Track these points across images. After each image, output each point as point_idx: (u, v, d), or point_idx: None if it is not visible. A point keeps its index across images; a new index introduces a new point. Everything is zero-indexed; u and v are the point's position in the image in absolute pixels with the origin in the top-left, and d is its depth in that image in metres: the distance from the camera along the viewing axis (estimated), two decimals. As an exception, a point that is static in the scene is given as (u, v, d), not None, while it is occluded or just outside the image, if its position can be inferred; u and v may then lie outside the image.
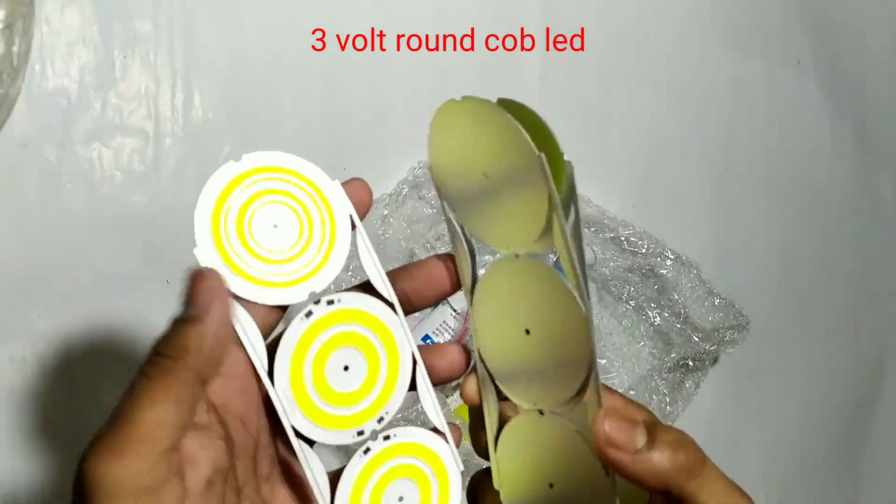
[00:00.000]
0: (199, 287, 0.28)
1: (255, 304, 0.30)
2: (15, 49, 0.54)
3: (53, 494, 0.57)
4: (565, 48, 0.68)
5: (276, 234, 0.31)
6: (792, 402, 0.77)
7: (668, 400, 0.66)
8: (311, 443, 0.32)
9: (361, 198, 0.32)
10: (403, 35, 0.63)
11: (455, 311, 0.62)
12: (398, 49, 0.63)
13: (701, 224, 0.73)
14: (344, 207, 0.32)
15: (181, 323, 0.27)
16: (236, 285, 0.30)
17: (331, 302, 0.31)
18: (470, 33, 0.65)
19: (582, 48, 0.68)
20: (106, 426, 0.27)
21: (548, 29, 0.67)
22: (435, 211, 0.63)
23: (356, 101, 0.63)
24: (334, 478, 0.32)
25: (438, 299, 0.34)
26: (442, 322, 0.61)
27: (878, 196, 0.80)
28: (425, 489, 0.33)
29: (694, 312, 0.67)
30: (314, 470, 0.31)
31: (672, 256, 0.67)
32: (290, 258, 0.31)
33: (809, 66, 0.76)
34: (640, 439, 0.28)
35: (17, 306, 0.56)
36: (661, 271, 0.67)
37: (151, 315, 0.59)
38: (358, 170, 0.62)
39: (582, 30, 0.68)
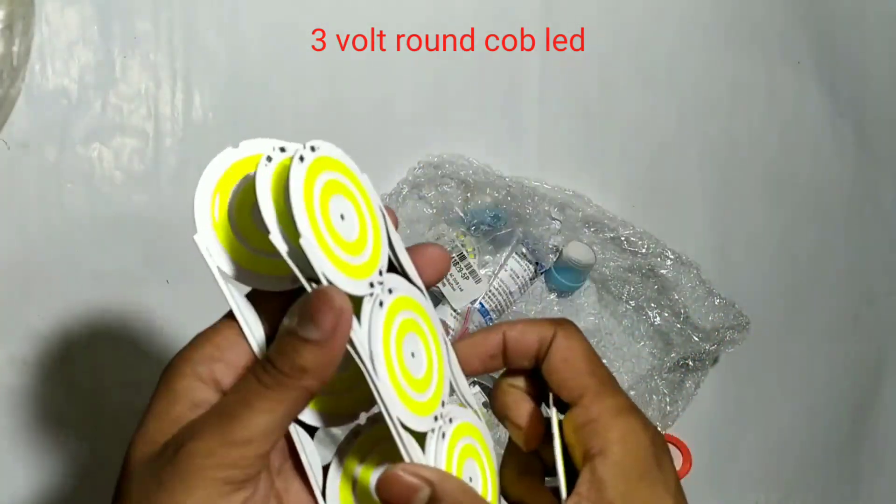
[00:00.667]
0: (327, 309, 0.26)
1: (263, 291, 0.30)
2: (15, 49, 0.54)
3: (53, 494, 0.57)
4: (565, 48, 0.68)
5: (344, 224, 0.29)
6: (792, 402, 0.77)
7: (668, 400, 0.66)
8: (311, 433, 0.31)
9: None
10: (403, 35, 0.63)
11: (455, 311, 0.62)
12: (398, 49, 0.63)
13: (701, 224, 0.73)
14: (379, 203, 0.31)
15: (305, 342, 0.26)
16: (235, 271, 0.30)
17: (391, 290, 0.30)
18: (470, 33, 0.65)
19: (582, 48, 0.68)
20: (211, 415, 0.27)
21: (548, 29, 0.67)
22: (435, 211, 0.63)
23: (356, 101, 0.63)
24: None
25: (437, 279, 0.34)
26: (442, 323, 0.62)
27: (878, 196, 0.80)
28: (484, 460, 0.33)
29: (694, 312, 0.67)
30: (312, 463, 0.31)
31: (672, 256, 0.67)
32: (357, 247, 0.30)
33: (809, 66, 0.76)
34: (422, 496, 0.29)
35: (17, 306, 0.56)
36: (661, 271, 0.67)
37: (151, 315, 0.59)
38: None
39: (582, 30, 0.68)
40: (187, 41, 0.59)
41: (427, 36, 0.64)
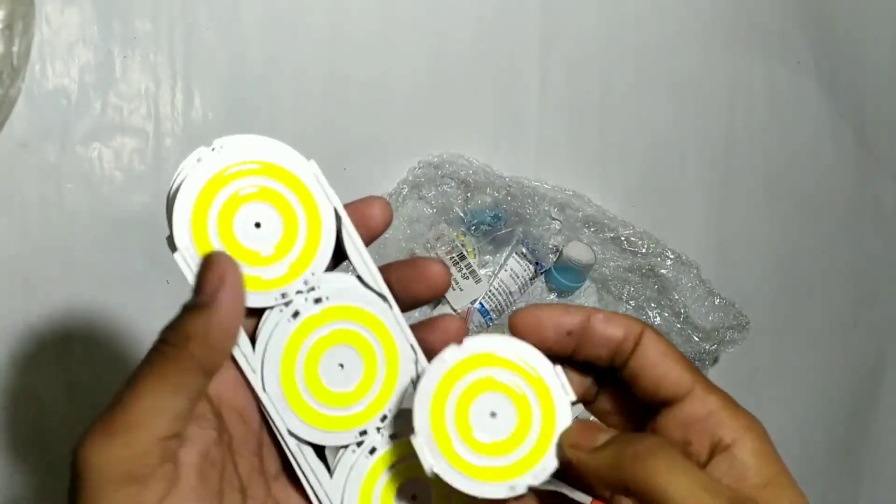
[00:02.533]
0: (208, 273, 0.26)
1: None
2: (15, 49, 0.53)
3: (53, 495, 0.57)
4: (565, 48, 0.68)
5: (260, 233, 0.29)
6: (792, 402, 0.77)
7: (668, 400, 0.66)
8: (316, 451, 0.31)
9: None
10: (404, 35, 0.63)
11: (455, 310, 0.62)
12: (398, 49, 0.63)
13: (701, 224, 0.73)
14: (326, 200, 0.30)
15: (188, 310, 0.27)
16: None
17: (318, 300, 0.30)
18: (470, 33, 0.65)
19: (582, 48, 0.68)
20: (103, 412, 0.26)
21: (548, 29, 0.67)
22: (435, 211, 0.63)
23: (356, 101, 0.63)
24: None
25: (433, 296, 0.32)
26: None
27: (878, 196, 0.80)
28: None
29: (694, 312, 0.67)
30: (314, 470, 0.30)
31: (672, 256, 0.67)
32: (273, 257, 0.30)
33: (809, 66, 0.76)
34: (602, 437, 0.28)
35: (17, 306, 0.56)
36: (661, 271, 0.67)
37: (151, 315, 0.59)
38: (358, 170, 0.63)
39: (582, 30, 0.68)
40: (187, 41, 0.59)
41: (427, 36, 0.64)
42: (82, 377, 0.58)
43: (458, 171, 0.62)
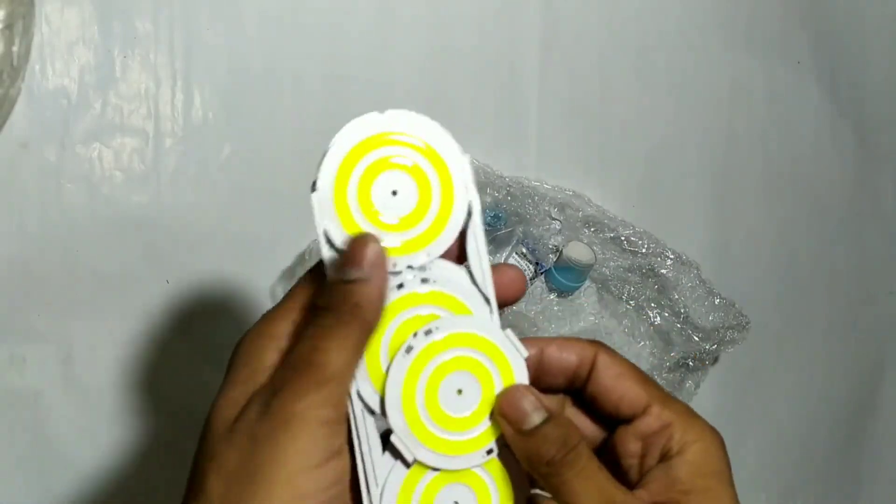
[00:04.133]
0: (364, 251, 0.29)
1: None
2: (15, 49, 0.54)
3: (53, 495, 0.57)
4: (565, 48, 0.68)
5: (393, 200, 0.31)
6: (792, 402, 0.77)
7: (668, 400, 0.66)
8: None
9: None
10: (404, 36, 0.63)
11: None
12: (398, 49, 0.63)
13: (701, 224, 0.73)
14: (465, 192, 0.32)
15: (347, 283, 0.29)
16: (341, 238, 0.30)
17: (425, 280, 0.31)
18: (470, 33, 0.65)
19: (582, 48, 0.68)
20: (287, 371, 0.29)
21: (548, 29, 0.67)
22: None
23: (356, 101, 0.63)
24: None
25: (512, 299, 0.33)
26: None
27: (878, 196, 0.80)
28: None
29: (694, 312, 0.67)
30: (370, 437, 0.30)
31: (672, 256, 0.67)
32: (395, 227, 0.31)
33: (809, 66, 0.76)
34: (535, 419, 0.30)
35: (17, 306, 0.56)
36: (661, 271, 0.67)
37: (151, 315, 0.59)
38: (358, 170, 0.63)
39: (582, 30, 0.68)
40: (187, 41, 0.59)
41: (427, 36, 0.64)
42: (83, 377, 0.58)
43: (458, 171, 0.62)
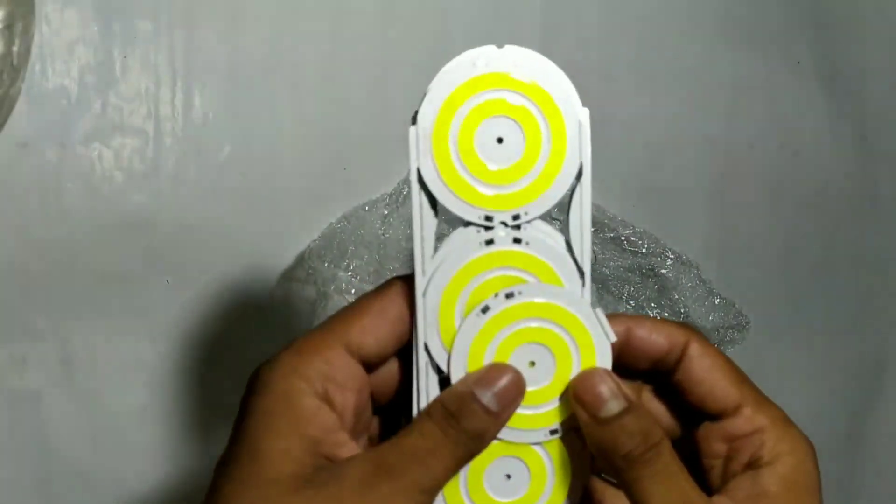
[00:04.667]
0: (513, 388, 0.28)
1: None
2: (15, 49, 0.54)
3: (53, 496, 0.57)
4: (564, 48, 0.68)
5: (497, 148, 0.28)
6: (792, 401, 0.76)
7: (668, 400, 0.66)
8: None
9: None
10: (404, 35, 0.63)
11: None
12: (398, 49, 0.63)
13: (701, 224, 0.73)
14: (577, 151, 0.29)
15: (483, 409, 0.27)
16: (433, 179, 0.28)
17: (517, 241, 0.29)
18: (470, 33, 0.65)
19: (581, 48, 0.68)
20: (330, 324, 0.28)
21: (547, 28, 0.67)
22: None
23: (356, 101, 0.63)
24: None
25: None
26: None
27: (878, 196, 0.80)
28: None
29: (694, 312, 0.67)
30: (429, 389, 0.29)
31: (672, 256, 0.67)
32: (496, 176, 0.29)
33: (809, 66, 0.76)
34: (613, 407, 0.28)
35: (17, 306, 0.56)
36: (661, 271, 0.67)
37: (151, 315, 0.59)
38: (358, 170, 0.63)
39: (582, 30, 0.68)
40: (187, 41, 0.59)
41: (427, 36, 0.64)
42: (83, 377, 0.58)
43: (458, 171, 0.62)
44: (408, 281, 0.29)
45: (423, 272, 0.28)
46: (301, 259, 0.60)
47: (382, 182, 0.62)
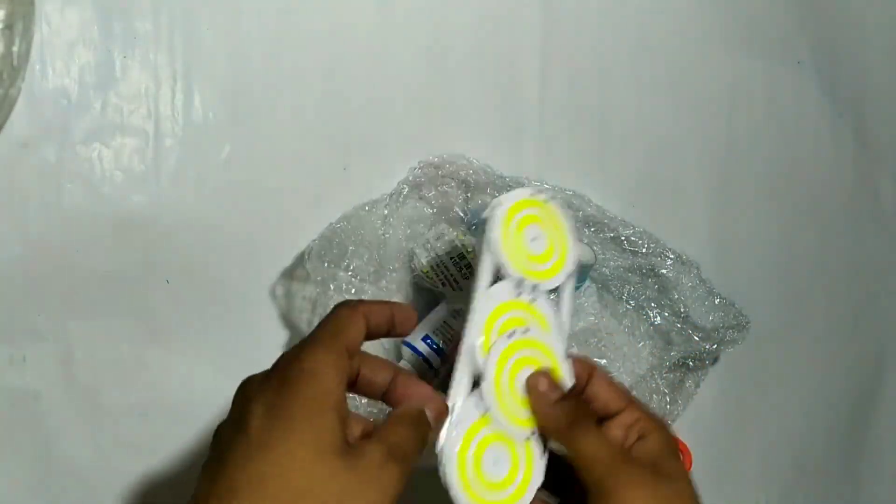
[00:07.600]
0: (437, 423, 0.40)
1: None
2: (15, 49, 0.54)
3: (53, 495, 0.57)
4: (565, 48, 0.68)
5: (534, 244, 0.45)
6: (792, 402, 0.77)
7: (668, 399, 0.66)
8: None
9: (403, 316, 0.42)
10: (404, 35, 0.63)
11: (455, 310, 0.62)
12: (398, 49, 0.63)
13: (701, 224, 0.73)
14: (574, 258, 0.46)
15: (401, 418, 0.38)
16: (499, 265, 0.43)
17: (526, 330, 0.43)
18: (470, 33, 0.65)
19: (582, 48, 0.68)
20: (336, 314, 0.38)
21: (548, 29, 0.67)
22: (435, 211, 0.63)
23: (356, 101, 0.63)
24: None
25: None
26: (443, 323, 0.61)
27: (878, 196, 0.80)
28: None
29: (694, 312, 0.67)
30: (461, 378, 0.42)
31: (672, 256, 0.67)
32: (535, 258, 0.45)
33: (809, 66, 0.76)
34: (552, 395, 0.42)
35: (17, 306, 0.56)
36: (661, 271, 0.67)
37: (151, 315, 0.59)
38: (358, 170, 0.63)
39: (582, 30, 0.68)
40: (187, 41, 0.59)
41: (427, 36, 0.64)
42: (83, 377, 0.58)
43: (458, 171, 0.62)
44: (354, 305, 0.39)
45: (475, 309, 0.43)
46: (301, 259, 0.60)
47: (382, 182, 0.62)
